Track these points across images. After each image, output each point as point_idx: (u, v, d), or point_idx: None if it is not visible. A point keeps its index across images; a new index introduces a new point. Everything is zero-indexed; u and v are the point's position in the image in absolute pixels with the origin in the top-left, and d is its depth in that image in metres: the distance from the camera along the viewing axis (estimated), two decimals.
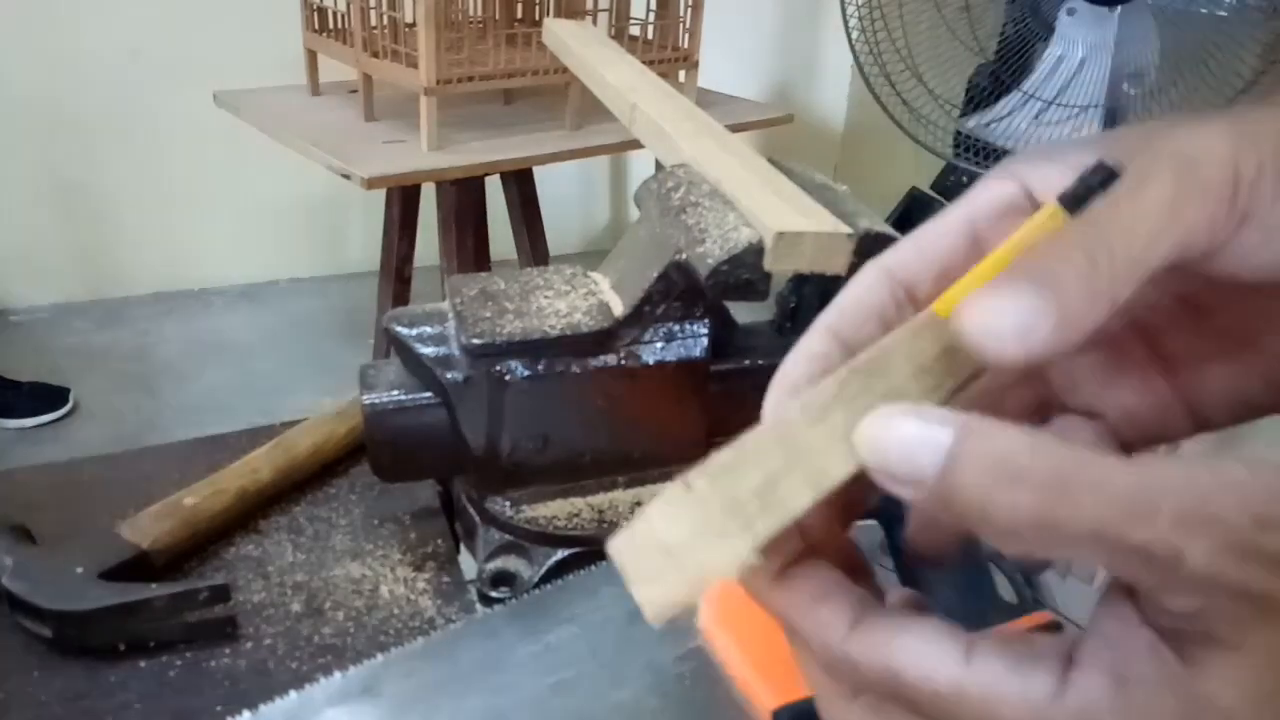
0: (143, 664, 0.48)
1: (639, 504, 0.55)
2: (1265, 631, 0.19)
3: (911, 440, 0.20)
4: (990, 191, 0.26)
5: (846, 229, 0.47)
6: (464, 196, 1.58)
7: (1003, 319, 0.20)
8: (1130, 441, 0.29)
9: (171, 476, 0.60)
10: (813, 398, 0.22)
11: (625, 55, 0.82)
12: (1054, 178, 0.25)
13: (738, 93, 1.87)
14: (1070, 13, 1.58)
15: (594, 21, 1.57)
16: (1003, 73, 1.70)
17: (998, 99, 1.69)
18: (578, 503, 0.55)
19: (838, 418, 0.21)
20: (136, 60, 2.35)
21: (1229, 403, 0.28)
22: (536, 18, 1.67)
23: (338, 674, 0.43)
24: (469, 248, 1.62)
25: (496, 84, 1.47)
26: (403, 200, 1.69)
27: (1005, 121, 1.68)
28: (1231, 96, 1.47)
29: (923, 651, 0.21)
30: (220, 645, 0.49)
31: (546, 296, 0.54)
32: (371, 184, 1.30)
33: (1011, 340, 0.20)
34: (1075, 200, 0.23)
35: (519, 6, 1.71)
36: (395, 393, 0.52)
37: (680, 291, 0.53)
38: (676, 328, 0.53)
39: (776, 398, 0.25)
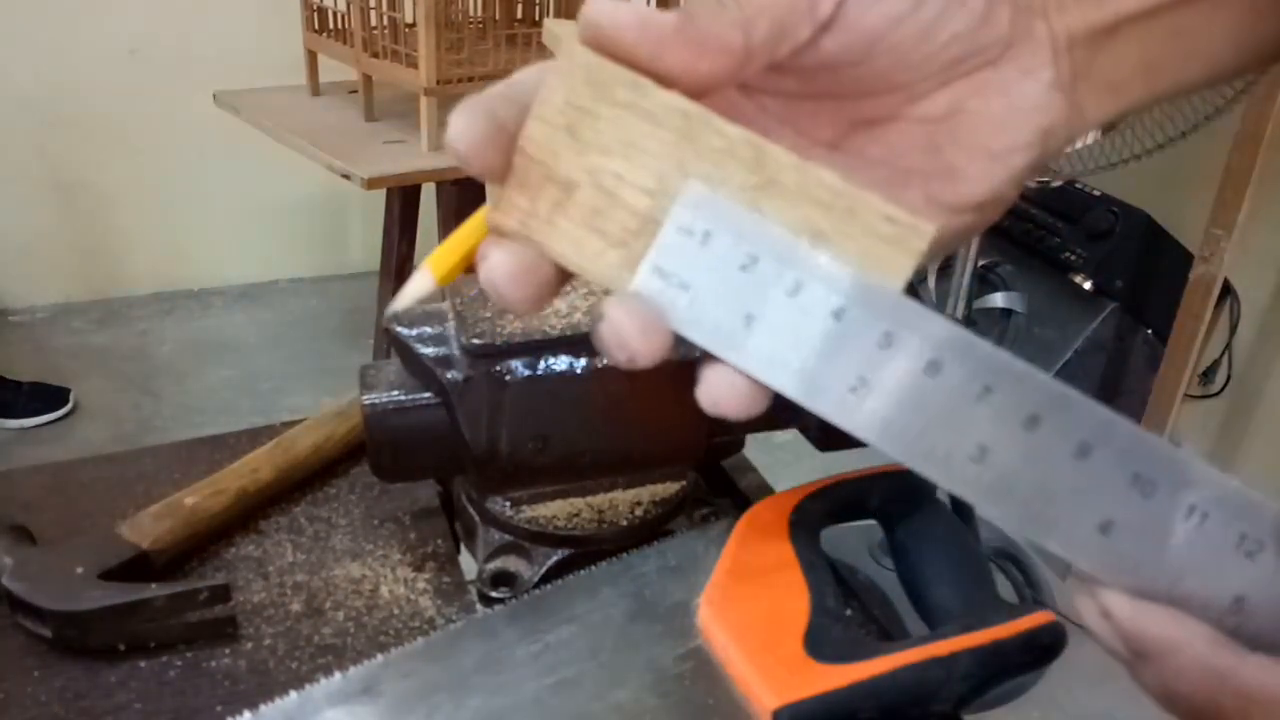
0: (143, 664, 0.48)
1: (639, 504, 0.55)
2: None
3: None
4: None
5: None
6: (464, 196, 1.58)
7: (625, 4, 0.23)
8: None
9: (171, 476, 0.60)
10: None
11: None
12: None
13: None
14: None
15: None
16: None
17: None
18: (578, 503, 0.55)
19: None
20: (136, 59, 2.35)
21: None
22: (536, 18, 1.67)
23: (338, 674, 0.42)
24: None
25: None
26: (403, 200, 1.69)
27: None
28: None
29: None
30: (220, 645, 0.49)
31: None
32: (371, 184, 1.31)
33: (631, 24, 0.23)
34: None
35: (519, 6, 1.71)
36: (395, 393, 0.52)
37: None
38: None
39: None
